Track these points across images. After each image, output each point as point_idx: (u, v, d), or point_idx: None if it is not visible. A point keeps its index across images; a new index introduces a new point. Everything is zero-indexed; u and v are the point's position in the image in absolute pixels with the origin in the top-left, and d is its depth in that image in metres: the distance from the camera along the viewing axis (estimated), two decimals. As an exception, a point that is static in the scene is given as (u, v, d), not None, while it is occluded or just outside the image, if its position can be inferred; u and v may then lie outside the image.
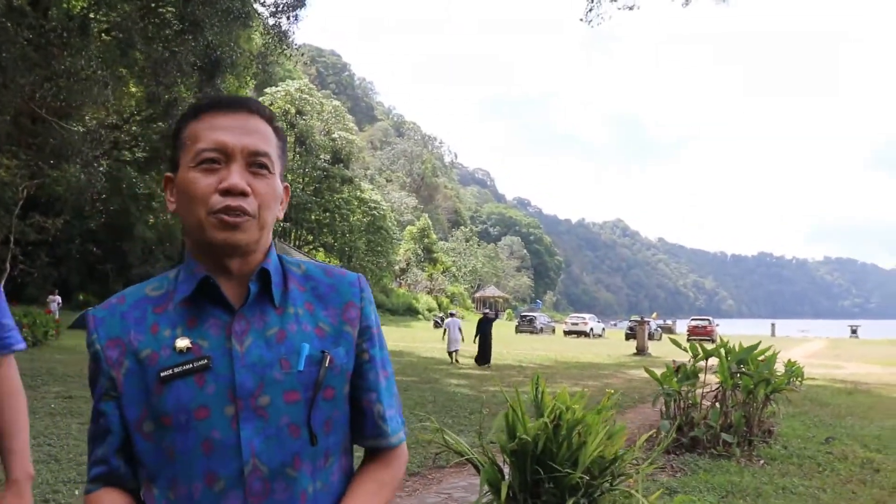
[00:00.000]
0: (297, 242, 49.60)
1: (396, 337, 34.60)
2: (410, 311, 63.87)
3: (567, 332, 49.09)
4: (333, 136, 53.96)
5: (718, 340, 9.26)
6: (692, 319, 47.50)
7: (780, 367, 9.05)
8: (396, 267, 72.00)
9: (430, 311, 65.37)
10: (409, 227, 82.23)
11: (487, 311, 35.80)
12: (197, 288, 1.31)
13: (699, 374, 8.31)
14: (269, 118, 1.37)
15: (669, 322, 62.30)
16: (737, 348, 8.59)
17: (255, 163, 1.31)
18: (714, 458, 7.70)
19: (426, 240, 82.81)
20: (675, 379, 8.18)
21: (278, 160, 1.36)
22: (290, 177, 46.09)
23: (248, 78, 32.24)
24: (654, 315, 64.14)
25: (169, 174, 1.38)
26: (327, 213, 54.02)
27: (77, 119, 24.28)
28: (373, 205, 57.73)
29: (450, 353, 21.00)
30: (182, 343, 1.27)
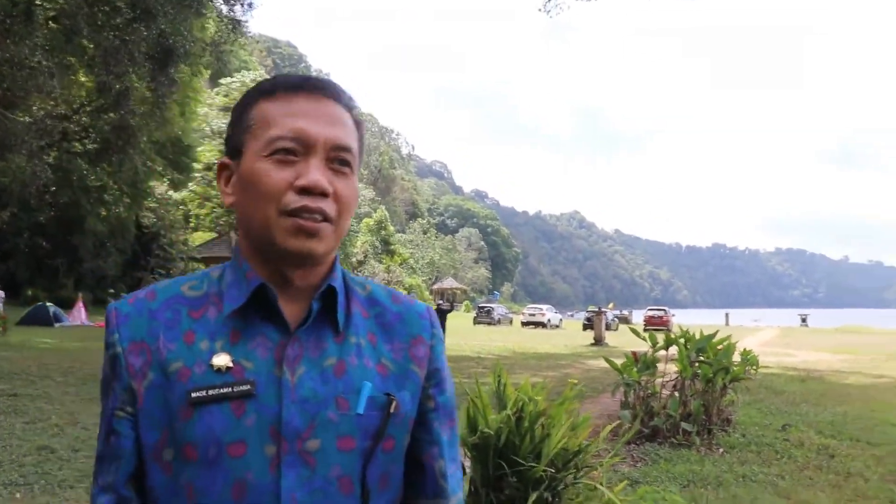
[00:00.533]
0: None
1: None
2: (368, 305, 63.75)
3: (525, 323, 49.28)
4: (289, 127, 53.71)
5: (676, 330, 9.30)
6: (649, 309, 47.99)
7: (735, 356, 9.12)
8: (354, 259, 71.77)
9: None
10: (366, 220, 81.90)
11: (441, 302, 36.03)
12: (251, 297, 1.09)
13: (658, 364, 8.33)
14: (351, 108, 1.17)
15: (626, 312, 63.03)
16: (698, 338, 8.63)
17: (338, 159, 1.10)
18: (674, 448, 7.73)
19: (383, 232, 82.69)
20: (635, 369, 8.18)
21: (358, 155, 1.16)
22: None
23: (202, 67, 31.67)
24: (611, 305, 64.65)
25: (226, 160, 1.16)
26: (283, 206, 53.79)
27: (23, 109, 23.60)
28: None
29: None
30: (221, 361, 1.05)
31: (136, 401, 1.06)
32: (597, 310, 35.67)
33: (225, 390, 1.03)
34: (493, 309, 52.72)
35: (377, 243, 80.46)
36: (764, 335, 40.69)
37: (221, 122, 44.97)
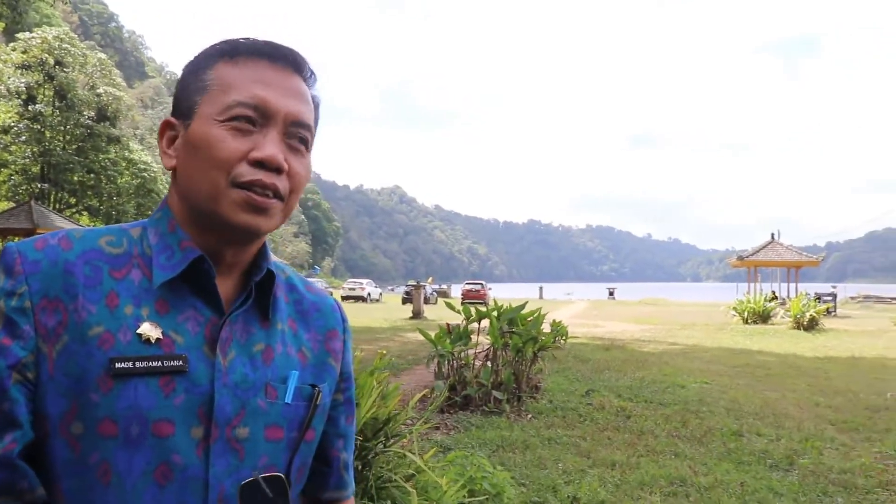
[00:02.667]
0: (57, 206, 45.68)
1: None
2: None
3: (345, 298, 49.27)
4: (98, 91, 50.01)
5: (491, 303, 9.66)
6: (466, 283, 49.27)
7: (546, 327, 9.59)
8: (169, 232, 68.97)
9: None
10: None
11: None
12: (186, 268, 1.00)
13: (472, 336, 8.62)
14: (310, 81, 1.10)
15: (444, 286, 64.38)
16: (508, 309, 8.99)
17: (296, 135, 1.04)
18: (486, 415, 8.05)
19: (200, 204, 79.87)
20: (449, 340, 8.43)
21: (313, 138, 1.09)
22: (48, 134, 42.18)
23: (-5, 21, 29.09)
24: (430, 280, 65.96)
25: (172, 119, 1.06)
26: (92, 175, 50.19)
27: None
28: (143, 166, 54.32)
29: None
30: (151, 331, 0.95)
31: (43, 366, 0.93)
32: (416, 284, 36.21)
33: (154, 363, 0.94)
34: (312, 284, 52.15)
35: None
36: (575, 307, 42.93)
37: (19, 80, 41.37)
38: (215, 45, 1.07)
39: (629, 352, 15.92)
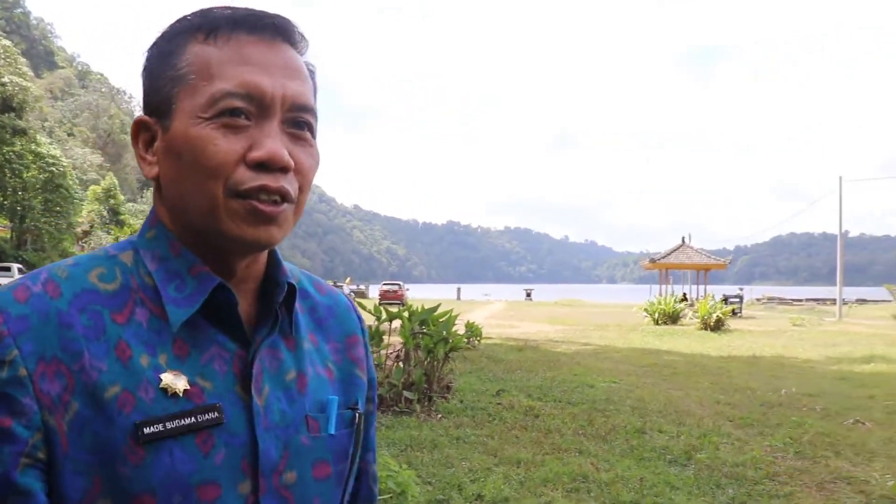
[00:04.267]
0: (-45, 201, 43.70)
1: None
2: (94, 278, 59.78)
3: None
4: (3, 80, 48.16)
5: (408, 304, 9.74)
6: (384, 284, 49.11)
7: (460, 328, 9.71)
8: (79, 229, 66.51)
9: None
10: (93, 187, 76.08)
11: None
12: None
13: (384, 336, 8.66)
14: (302, 49, 0.91)
15: (362, 287, 64.18)
16: (419, 311, 9.07)
17: (298, 121, 0.86)
18: (396, 415, 8.10)
19: (112, 201, 77.27)
20: (362, 340, 8.45)
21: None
22: (-55, 125, 40.27)
23: None
24: (348, 280, 65.64)
25: (146, 117, 0.89)
26: (-6, 169, 48.30)
27: None
28: (51, 160, 52.48)
29: None
30: (177, 382, 0.81)
31: (55, 441, 0.77)
32: (333, 284, 35.99)
33: (188, 420, 0.80)
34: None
35: (105, 213, 75.16)
36: (492, 308, 43.31)
37: None
38: (184, 18, 0.89)
39: (542, 352, 16.20)
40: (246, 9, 0.87)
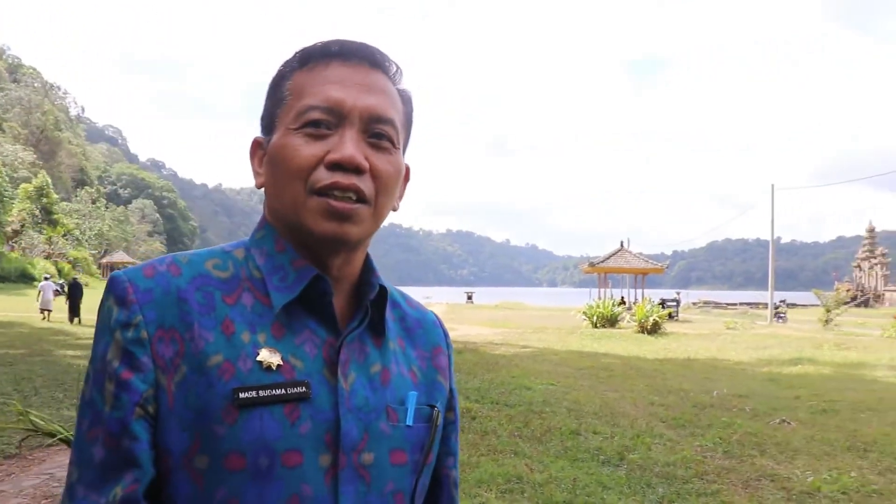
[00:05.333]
0: None
1: (7, 306, 31.07)
2: (25, 278, 57.81)
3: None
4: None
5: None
6: (326, 287, 48.84)
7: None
8: (9, 228, 64.62)
9: (46, 278, 59.86)
10: (24, 185, 73.98)
11: (77, 276, 36.61)
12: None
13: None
14: (395, 76, 1.04)
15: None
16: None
17: (376, 132, 0.98)
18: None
19: (45, 199, 75.26)
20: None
21: (403, 131, 1.04)
22: None
23: None
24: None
25: (259, 137, 1.04)
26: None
27: None
28: (-21, 158, 51.06)
29: (42, 311, 24.41)
30: (272, 357, 0.92)
31: (163, 399, 0.89)
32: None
33: (278, 391, 0.90)
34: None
35: (37, 212, 73.13)
36: (433, 311, 43.30)
37: None
38: (293, 55, 1.03)
39: (481, 354, 16.30)
40: (337, 40, 1.01)
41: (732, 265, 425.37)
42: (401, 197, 1.10)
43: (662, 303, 33.51)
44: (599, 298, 33.36)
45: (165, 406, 0.89)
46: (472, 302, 62.83)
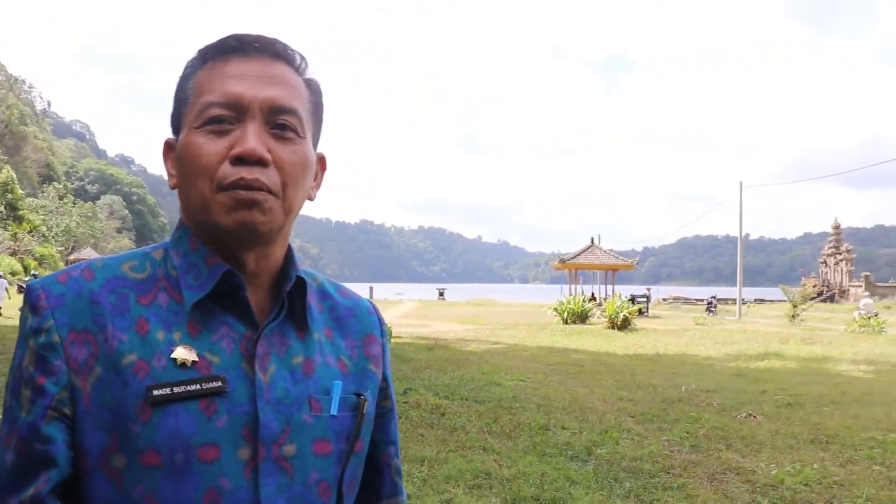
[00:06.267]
0: None
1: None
2: (-11, 276, 57.24)
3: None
4: None
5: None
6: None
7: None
8: (-28, 225, 63.66)
9: (13, 274, 58.96)
10: (-13, 181, 72.87)
11: (36, 273, 37.14)
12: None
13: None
14: (300, 66, 1.04)
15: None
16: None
17: (278, 123, 0.98)
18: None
19: (10, 195, 74.17)
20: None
21: (310, 120, 1.04)
22: None
23: None
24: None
25: (170, 139, 1.05)
26: None
27: None
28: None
29: None
30: (186, 354, 0.93)
31: (79, 400, 0.91)
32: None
33: (193, 387, 0.91)
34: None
35: (2, 208, 72.05)
36: (405, 307, 43.32)
37: None
38: (196, 52, 1.04)
39: (452, 351, 16.30)
40: (235, 35, 1.02)
41: (702, 261, 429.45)
42: (318, 186, 1.11)
43: (632, 299, 33.72)
44: (570, 295, 33.53)
45: (82, 407, 0.91)
46: (443, 299, 62.82)
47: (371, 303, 1.22)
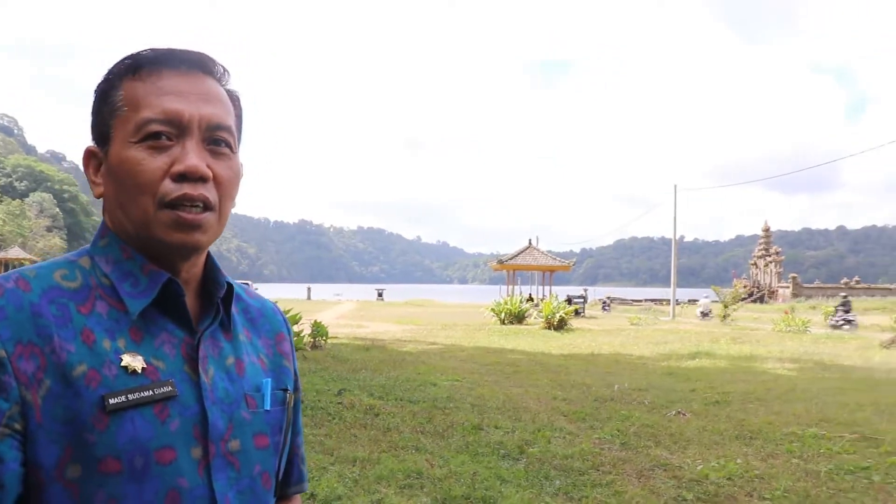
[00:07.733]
0: None
1: None
2: None
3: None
4: None
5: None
6: (234, 284, 47.98)
7: (306, 328, 9.58)
8: None
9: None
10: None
11: None
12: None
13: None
14: (222, 78, 1.08)
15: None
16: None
17: (216, 139, 1.02)
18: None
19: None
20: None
21: (237, 132, 1.08)
22: None
23: None
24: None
25: (93, 147, 1.05)
26: None
27: None
28: None
29: None
30: (135, 361, 0.94)
31: (30, 414, 0.89)
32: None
33: (146, 393, 0.93)
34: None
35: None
36: (343, 308, 43.11)
37: None
38: (119, 62, 1.04)
39: (388, 351, 16.27)
40: (167, 48, 1.04)
41: (638, 262, 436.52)
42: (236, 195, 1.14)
43: (569, 299, 34.16)
44: (508, 295, 33.79)
45: (34, 421, 0.90)
46: (382, 299, 62.76)
47: (274, 303, 1.29)
